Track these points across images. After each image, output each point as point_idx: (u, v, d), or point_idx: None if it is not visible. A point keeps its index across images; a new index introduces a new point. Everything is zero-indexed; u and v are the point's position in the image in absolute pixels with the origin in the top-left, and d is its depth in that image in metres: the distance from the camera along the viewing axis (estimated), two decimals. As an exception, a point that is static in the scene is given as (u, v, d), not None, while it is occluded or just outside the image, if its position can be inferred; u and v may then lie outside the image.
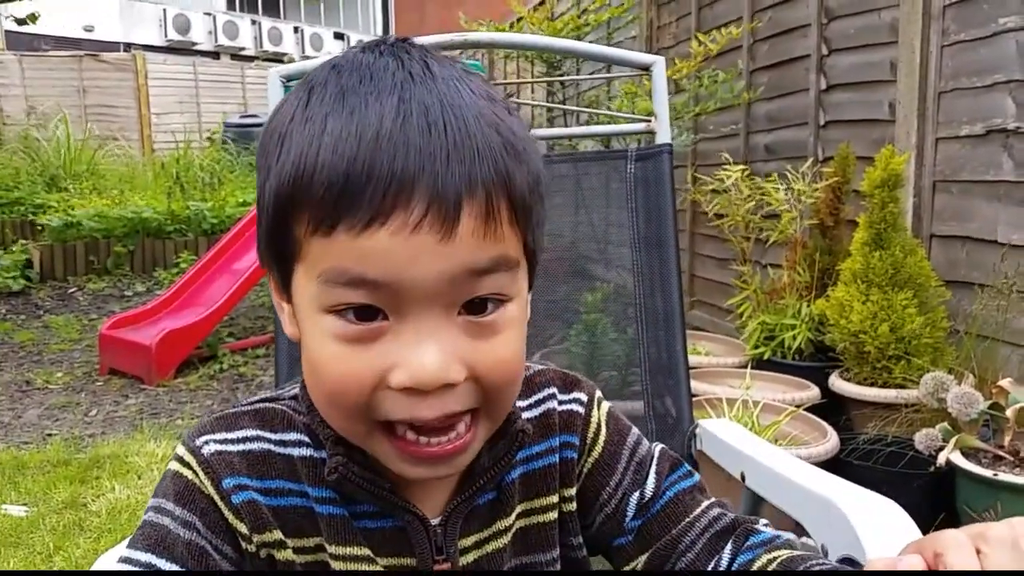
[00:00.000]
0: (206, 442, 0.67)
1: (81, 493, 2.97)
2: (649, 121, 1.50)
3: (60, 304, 6.12)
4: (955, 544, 0.48)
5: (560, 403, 0.77)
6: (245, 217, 5.72)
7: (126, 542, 0.67)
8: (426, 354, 0.55)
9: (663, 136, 1.49)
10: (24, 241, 6.68)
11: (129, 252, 6.65)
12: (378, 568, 0.67)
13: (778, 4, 4.05)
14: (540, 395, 0.77)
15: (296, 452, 0.68)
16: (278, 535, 0.66)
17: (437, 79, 0.58)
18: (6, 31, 14.81)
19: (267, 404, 0.71)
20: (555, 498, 0.75)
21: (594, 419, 0.78)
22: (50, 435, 3.69)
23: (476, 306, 0.58)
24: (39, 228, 6.67)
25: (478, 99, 0.58)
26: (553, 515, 0.75)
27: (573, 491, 0.76)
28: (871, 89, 3.42)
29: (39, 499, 2.94)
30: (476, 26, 4.11)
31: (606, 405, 0.80)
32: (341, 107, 0.56)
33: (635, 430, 0.81)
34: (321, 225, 0.55)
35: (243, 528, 0.65)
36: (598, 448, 0.77)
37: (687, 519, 0.75)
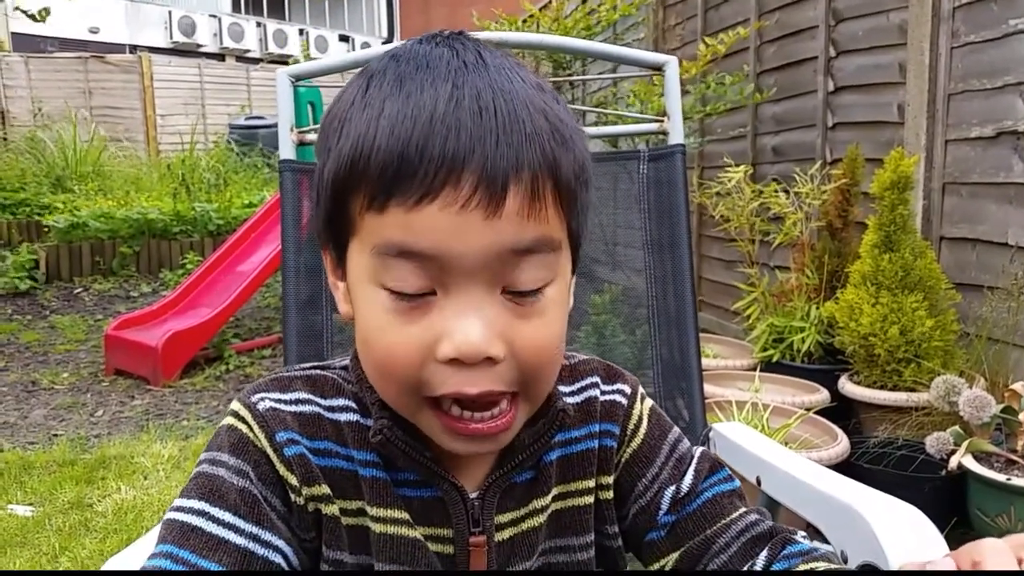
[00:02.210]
0: (262, 399, 0.69)
1: (87, 493, 2.96)
2: (662, 121, 1.49)
3: (66, 305, 6.12)
4: (994, 551, 0.47)
5: (603, 392, 0.78)
6: (251, 218, 5.71)
7: (178, 496, 0.68)
8: (471, 327, 0.58)
9: (676, 136, 1.48)
10: (30, 242, 6.68)
11: (135, 253, 6.65)
12: (416, 535, 0.68)
13: (786, 6, 4.03)
14: (583, 383, 0.78)
15: (343, 417, 0.70)
16: (326, 489, 0.68)
17: (489, 67, 0.60)
18: (12, 33, 14.85)
19: (319, 372, 0.73)
20: (591, 483, 0.76)
21: (636, 411, 0.79)
22: (56, 435, 3.69)
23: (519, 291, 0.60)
24: (45, 229, 6.67)
25: (528, 87, 0.61)
26: (589, 499, 0.76)
27: (611, 479, 0.77)
28: (880, 91, 3.41)
29: (45, 499, 2.93)
30: (489, 25, 4.10)
31: (650, 401, 0.82)
32: (398, 92, 0.59)
33: (677, 429, 0.82)
34: (375, 201, 0.57)
35: (293, 480, 0.67)
36: (638, 439, 0.78)
37: (723, 521, 0.75)
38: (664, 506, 0.76)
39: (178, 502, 0.67)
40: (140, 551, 0.86)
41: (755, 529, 0.74)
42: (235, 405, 0.70)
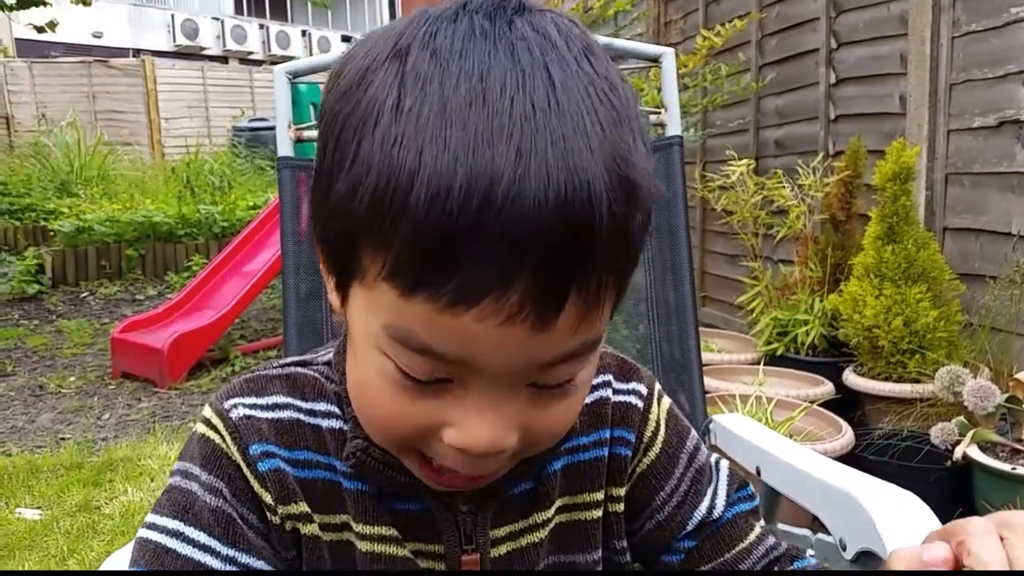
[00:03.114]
0: (235, 405, 0.64)
1: (94, 496, 2.98)
2: (659, 113, 1.49)
3: (72, 309, 6.14)
4: (978, 531, 0.47)
5: (615, 392, 0.70)
6: (255, 220, 5.72)
7: (152, 509, 0.64)
8: (484, 424, 0.51)
9: (673, 128, 1.48)
10: (36, 246, 6.72)
11: (140, 256, 6.68)
12: (405, 553, 0.64)
13: (786, -2, 4.03)
14: (594, 380, 0.68)
15: (325, 423, 0.64)
16: (304, 507, 0.63)
17: (564, 112, 0.45)
18: (16, 39, 14.91)
19: (299, 369, 0.67)
20: (600, 495, 0.69)
21: (653, 416, 0.71)
22: (63, 439, 3.70)
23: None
24: (51, 233, 6.70)
25: (606, 137, 0.46)
26: (597, 513, 0.69)
27: (622, 491, 0.70)
28: (881, 82, 3.40)
29: (53, 502, 2.94)
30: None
31: (667, 401, 0.73)
32: (442, 131, 0.44)
33: (693, 433, 0.75)
34: (397, 280, 0.46)
35: (268, 498, 0.62)
36: (655, 449, 0.71)
37: (743, 545, 0.72)
38: (689, 527, 0.71)
39: (151, 518, 0.63)
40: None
41: (774, 553, 0.72)
42: (207, 411, 0.64)
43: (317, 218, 0.53)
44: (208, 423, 0.64)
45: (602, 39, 1.67)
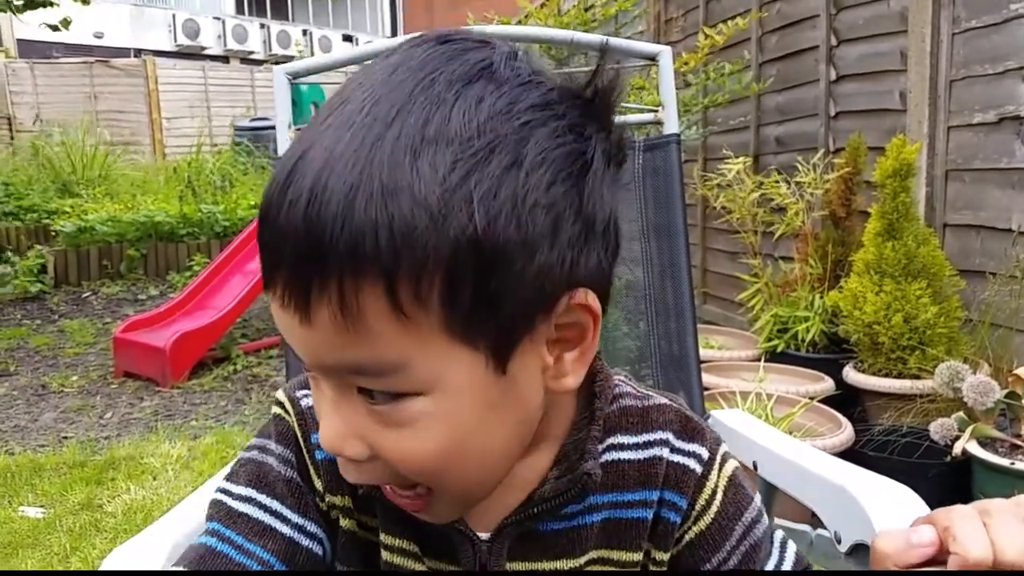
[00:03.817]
0: (305, 395, 0.67)
1: (97, 494, 2.99)
2: (657, 111, 1.50)
3: (74, 308, 6.15)
4: (961, 515, 0.48)
5: (673, 451, 0.66)
6: (257, 219, 5.74)
7: (222, 476, 0.68)
8: (325, 422, 0.54)
9: (671, 126, 1.48)
10: (38, 246, 6.73)
11: (142, 256, 6.69)
12: (423, 569, 0.65)
13: (786, -5, 4.03)
14: (651, 436, 0.66)
15: None
16: (348, 502, 0.66)
17: (405, 126, 0.49)
18: (18, 39, 14.92)
19: None
20: (638, 556, 0.66)
21: (711, 483, 0.66)
22: (66, 438, 3.72)
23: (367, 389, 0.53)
24: (53, 234, 6.71)
25: (386, 161, 0.48)
26: (634, 571, 0.67)
27: (665, 556, 0.67)
28: (881, 79, 3.40)
29: (56, 501, 2.96)
30: (483, 22, 4.11)
31: (731, 465, 0.69)
32: (314, 128, 0.51)
33: (756, 502, 0.69)
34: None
35: (319, 484, 0.66)
36: (707, 518, 0.67)
37: None
38: None
39: (225, 485, 0.66)
40: (143, 544, 0.87)
41: None
42: (281, 396, 0.69)
43: None
44: (282, 406, 0.69)
45: (599, 38, 1.68)
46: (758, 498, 0.70)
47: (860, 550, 0.84)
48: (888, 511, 0.82)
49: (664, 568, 0.67)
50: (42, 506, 2.92)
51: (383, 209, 0.47)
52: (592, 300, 0.55)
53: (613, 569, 0.66)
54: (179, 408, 4.11)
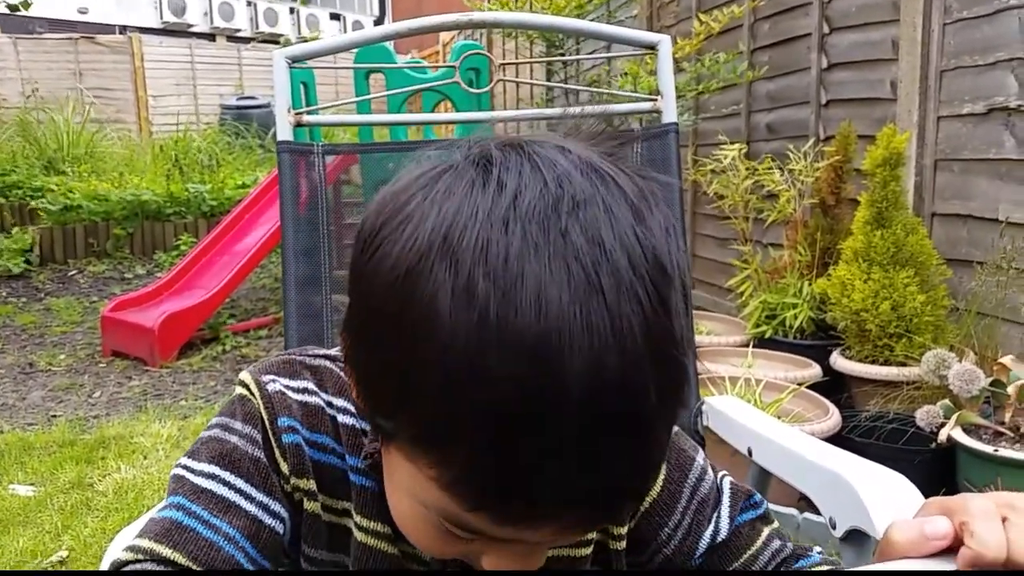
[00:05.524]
0: (272, 380, 0.68)
1: (87, 473, 2.99)
2: (655, 100, 1.50)
3: (61, 287, 6.12)
4: (982, 513, 0.47)
5: None
6: (245, 199, 5.71)
7: (185, 455, 0.67)
8: (517, 561, 0.55)
9: (669, 115, 1.49)
10: (23, 225, 6.68)
11: (129, 235, 6.65)
12: (395, 551, 0.67)
13: (779, -18, 4.03)
14: None
15: (341, 418, 0.68)
16: (312, 485, 0.67)
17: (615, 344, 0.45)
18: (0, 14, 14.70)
19: (325, 363, 0.71)
20: (593, 533, 0.70)
21: None
22: (55, 416, 3.71)
23: None
24: (39, 212, 6.66)
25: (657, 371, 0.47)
26: (586, 551, 0.71)
27: (623, 530, 0.71)
28: (872, 67, 3.42)
29: (46, 479, 2.96)
30: (480, 5, 4.09)
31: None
32: (490, 318, 0.45)
33: (698, 460, 0.75)
34: (456, 496, 0.49)
35: (284, 468, 0.66)
36: (656, 487, 0.72)
37: (750, 551, 0.73)
38: (697, 553, 0.73)
39: (187, 462, 0.66)
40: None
41: (780, 556, 0.73)
42: (246, 378, 0.69)
43: (361, 358, 0.55)
44: (247, 388, 0.68)
45: (598, 25, 1.68)
46: (700, 455, 0.74)
47: (854, 535, 0.86)
48: (882, 497, 0.84)
49: (623, 542, 0.71)
50: (32, 484, 2.92)
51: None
52: None
53: (566, 553, 0.69)
54: (168, 388, 4.11)
